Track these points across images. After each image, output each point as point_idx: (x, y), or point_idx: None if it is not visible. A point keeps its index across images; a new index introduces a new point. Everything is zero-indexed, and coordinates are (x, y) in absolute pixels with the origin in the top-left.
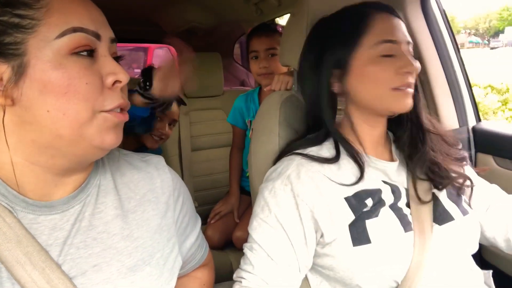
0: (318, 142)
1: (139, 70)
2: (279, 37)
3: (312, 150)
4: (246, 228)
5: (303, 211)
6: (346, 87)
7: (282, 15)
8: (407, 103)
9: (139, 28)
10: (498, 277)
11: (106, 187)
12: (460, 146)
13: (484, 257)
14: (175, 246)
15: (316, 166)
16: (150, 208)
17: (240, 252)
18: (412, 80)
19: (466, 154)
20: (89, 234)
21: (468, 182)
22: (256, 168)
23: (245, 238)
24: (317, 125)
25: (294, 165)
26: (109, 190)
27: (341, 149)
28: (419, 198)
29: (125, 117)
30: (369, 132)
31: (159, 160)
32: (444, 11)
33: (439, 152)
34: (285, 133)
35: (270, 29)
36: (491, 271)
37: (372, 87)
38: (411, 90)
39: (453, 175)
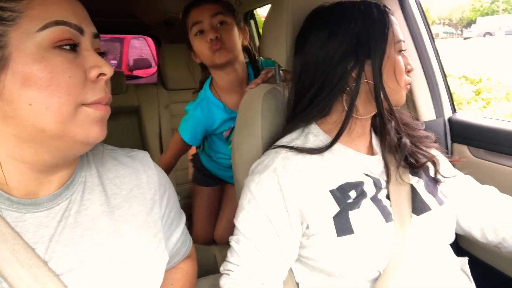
0: (302, 132)
1: (115, 62)
2: (225, 8)
3: (297, 143)
4: (226, 226)
5: (289, 203)
6: (370, 75)
7: (262, 5)
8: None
9: (116, 20)
10: (474, 264)
11: (92, 183)
12: (423, 127)
13: (460, 245)
14: (161, 242)
15: (302, 159)
16: (136, 204)
17: (224, 246)
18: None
19: (430, 133)
20: (75, 231)
21: (436, 159)
22: (240, 161)
23: (227, 235)
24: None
25: (280, 158)
26: (94, 187)
27: (323, 139)
28: (399, 183)
29: (107, 110)
30: (361, 125)
31: (144, 155)
32: (419, 3)
33: (411, 137)
34: (268, 125)
35: None
36: (467, 258)
37: (395, 80)
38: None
39: (426, 154)
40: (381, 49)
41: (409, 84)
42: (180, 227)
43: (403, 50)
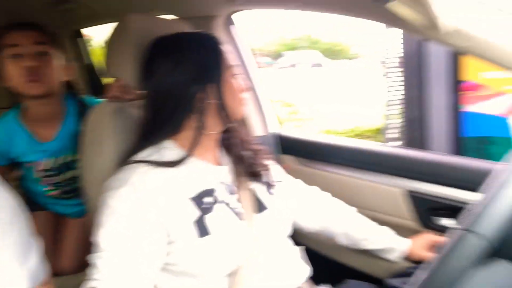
0: (157, 147)
1: None
2: (50, 38)
3: (154, 158)
4: (72, 255)
5: (150, 215)
6: (212, 97)
7: (97, 25)
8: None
9: None
10: (308, 251)
11: None
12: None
13: (297, 236)
14: (17, 269)
15: (159, 172)
16: None
17: (72, 276)
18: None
19: (264, 147)
20: None
21: (269, 168)
22: (91, 179)
23: (74, 263)
24: (153, 132)
25: (137, 172)
26: None
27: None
28: (244, 188)
29: None
30: (210, 140)
31: None
32: (244, 40)
33: (250, 150)
34: (120, 143)
35: (36, 25)
36: (304, 247)
37: (233, 98)
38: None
39: (262, 165)
40: (218, 74)
41: (245, 100)
42: (35, 253)
43: (236, 74)
